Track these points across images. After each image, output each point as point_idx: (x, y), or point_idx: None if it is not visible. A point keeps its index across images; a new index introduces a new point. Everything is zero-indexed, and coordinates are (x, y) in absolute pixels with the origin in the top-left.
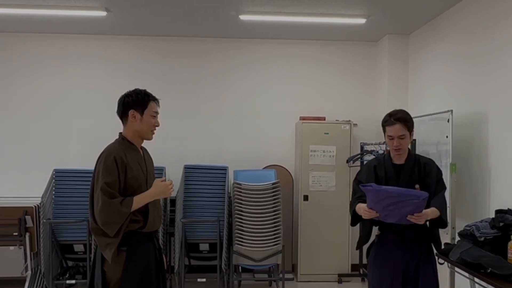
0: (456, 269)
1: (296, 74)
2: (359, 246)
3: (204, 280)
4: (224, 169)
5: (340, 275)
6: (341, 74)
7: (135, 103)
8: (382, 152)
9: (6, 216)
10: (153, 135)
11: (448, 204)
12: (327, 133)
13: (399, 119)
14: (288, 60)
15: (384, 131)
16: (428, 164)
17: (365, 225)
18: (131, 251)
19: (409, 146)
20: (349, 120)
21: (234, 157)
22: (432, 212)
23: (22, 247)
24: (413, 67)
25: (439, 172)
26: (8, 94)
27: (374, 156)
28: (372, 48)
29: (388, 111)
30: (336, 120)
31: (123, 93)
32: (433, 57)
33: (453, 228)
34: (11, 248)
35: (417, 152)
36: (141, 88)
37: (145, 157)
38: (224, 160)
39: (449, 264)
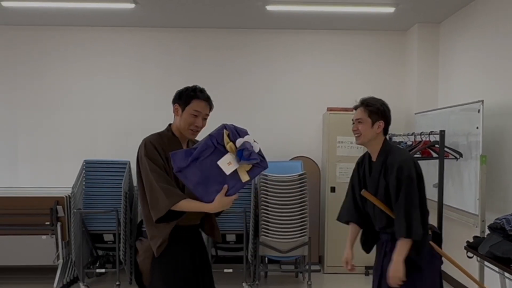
0: (486, 263)
1: (323, 64)
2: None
3: (230, 270)
4: None
5: (367, 267)
6: (369, 64)
7: (180, 98)
8: (411, 143)
9: (38, 206)
10: (194, 135)
11: (477, 197)
12: None
13: (362, 102)
14: (315, 50)
15: None
16: (390, 166)
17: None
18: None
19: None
20: None
21: (261, 148)
22: (400, 253)
23: (54, 236)
24: (444, 57)
25: (399, 174)
26: (40, 87)
27: (402, 148)
28: (401, 37)
29: (418, 102)
30: None
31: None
32: (464, 46)
33: (483, 221)
34: (43, 237)
35: (446, 144)
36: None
37: None
38: None
39: (478, 258)
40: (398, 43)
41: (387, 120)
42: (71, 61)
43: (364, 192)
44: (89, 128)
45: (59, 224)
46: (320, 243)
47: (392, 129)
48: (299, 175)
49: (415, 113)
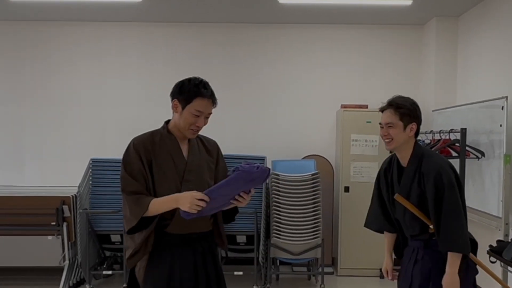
0: (510, 268)
1: (337, 60)
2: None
3: (241, 273)
4: (262, 159)
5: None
6: (385, 60)
7: (181, 93)
8: (429, 141)
9: (44, 205)
10: (195, 134)
11: (501, 198)
12: (370, 122)
13: (391, 104)
14: (329, 45)
15: None
16: (426, 174)
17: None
18: (152, 257)
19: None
20: None
21: (273, 146)
22: (452, 265)
23: (59, 236)
24: (463, 52)
25: (438, 182)
26: (46, 84)
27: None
28: (419, 31)
29: (435, 98)
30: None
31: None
32: (485, 41)
33: (507, 224)
34: (49, 237)
35: (467, 142)
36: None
37: (191, 148)
38: (262, 150)
39: (502, 263)
40: (415, 37)
41: (419, 121)
42: (78, 58)
43: (397, 197)
44: (96, 126)
45: (65, 224)
46: (333, 245)
47: None
48: (312, 174)
49: (433, 110)
